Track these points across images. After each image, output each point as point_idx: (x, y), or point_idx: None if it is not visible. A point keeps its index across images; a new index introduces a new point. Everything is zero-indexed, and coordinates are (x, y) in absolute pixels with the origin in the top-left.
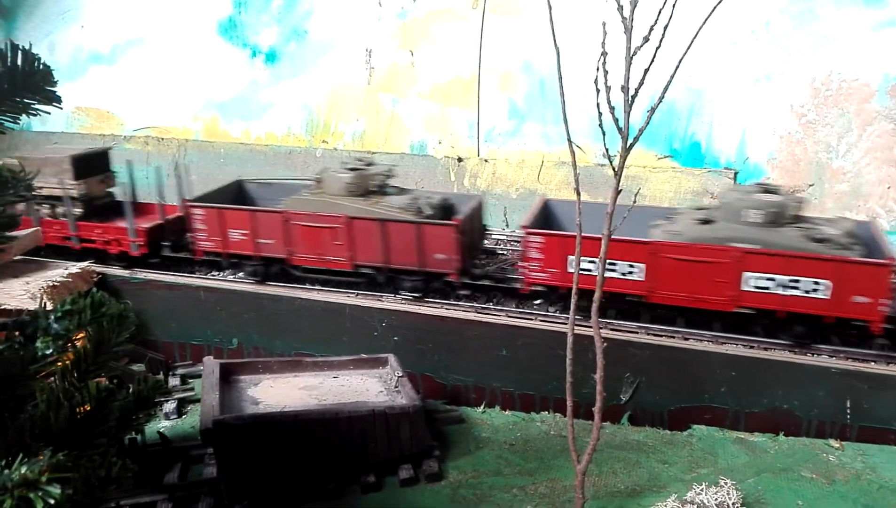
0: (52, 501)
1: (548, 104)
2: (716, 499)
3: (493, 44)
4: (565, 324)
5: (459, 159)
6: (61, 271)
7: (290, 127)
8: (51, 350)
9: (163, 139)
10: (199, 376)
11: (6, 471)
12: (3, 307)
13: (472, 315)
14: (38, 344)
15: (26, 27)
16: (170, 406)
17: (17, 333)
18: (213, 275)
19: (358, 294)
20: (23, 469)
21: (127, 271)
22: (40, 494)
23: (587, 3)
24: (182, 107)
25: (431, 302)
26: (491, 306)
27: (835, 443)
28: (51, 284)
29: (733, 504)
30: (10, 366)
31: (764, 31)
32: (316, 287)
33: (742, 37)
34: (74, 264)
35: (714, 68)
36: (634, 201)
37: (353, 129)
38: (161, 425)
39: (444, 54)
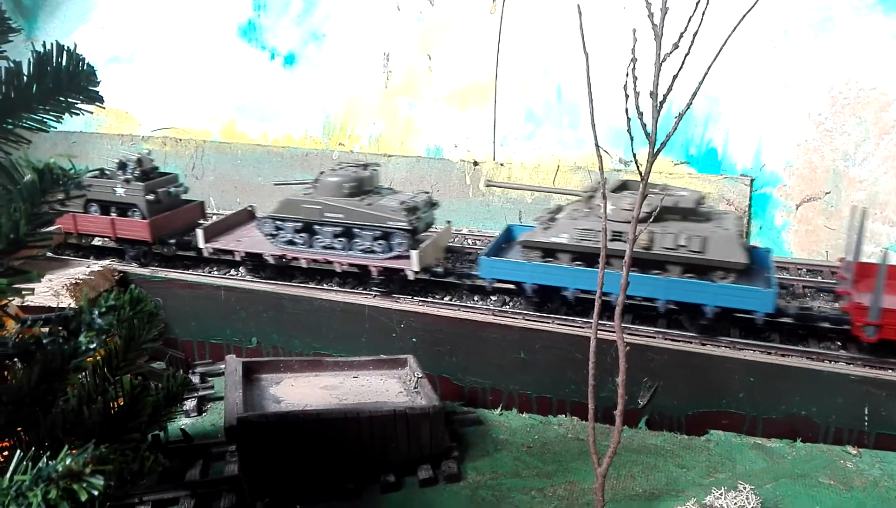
0: (95, 492)
1: (564, 109)
2: (735, 503)
3: (511, 49)
4: (583, 328)
5: (475, 163)
6: (83, 269)
7: (308, 129)
8: (94, 345)
9: (181, 140)
10: (219, 374)
11: (51, 462)
12: (25, 304)
13: (490, 318)
14: (82, 339)
15: (47, 27)
16: (190, 404)
17: (60, 328)
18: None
19: (376, 295)
20: (67, 461)
21: (148, 270)
22: (84, 486)
23: (607, 10)
24: (200, 108)
25: (450, 304)
26: (508, 308)
27: (852, 450)
28: (73, 281)
29: None
30: (51, 360)
31: (782, 38)
32: (335, 288)
33: (760, 44)
34: (96, 262)
35: (732, 75)
36: (658, 208)
37: (370, 132)
38: (182, 422)
39: (462, 58)
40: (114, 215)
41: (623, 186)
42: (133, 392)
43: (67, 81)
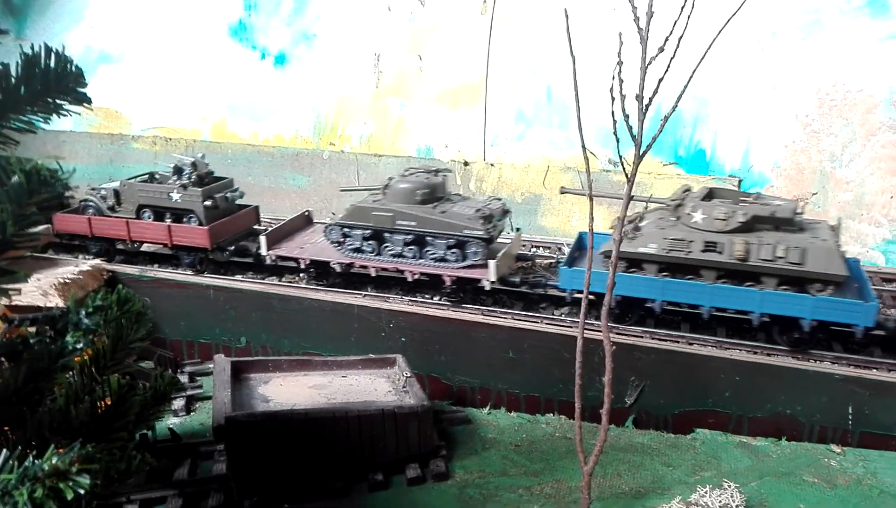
0: (81, 491)
1: (554, 110)
2: (720, 501)
3: (501, 50)
4: (571, 327)
5: (466, 163)
6: (72, 269)
7: (298, 129)
8: (81, 345)
9: (170, 139)
10: (208, 373)
11: (37, 461)
12: (14, 303)
13: (478, 317)
14: (69, 338)
15: (37, 26)
16: (179, 403)
17: (47, 328)
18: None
19: (365, 295)
20: (54, 460)
21: (137, 269)
22: (70, 484)
23: (594, 12)
24: (190, 107)
25: (438, 304)
26: (497, 308)
27: (836, 448)
28: (62, 280)
29: (737, 506)
30: (37, 360)
31: (770, 40)
32: (323, 288)
33: (748, 46)
34: (85, 261)
35: (720, 77)
36: (647, 207)
37: (361, 132)
38: (170, 422)
39: (452, 59)
40: (168, 221)
41: (710, 195)
42: (120, 392)
43: (56, 82)
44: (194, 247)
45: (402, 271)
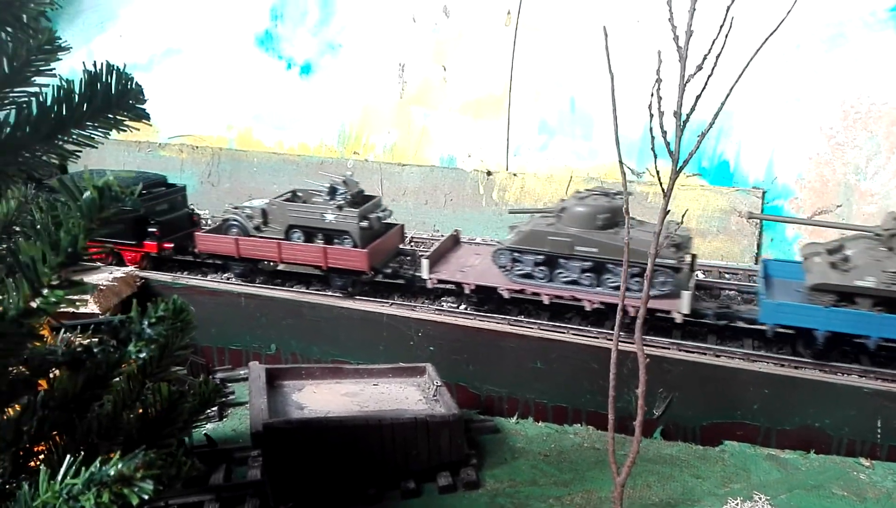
0: (145, 497)
1: (577, 121)
2: None
3: (525, 60)
4: (598, 338)
5: (489, 173)
6: (106, 276)
7: (323, 138)
8: (144, 354)
9: (197, 147)
10: (239, 380)
11: (103, 468)
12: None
13: (507, 327)
14: (131, 348)
15: (66, 35)
16: (212, 410)
17: (109, 337)
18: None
19: (393, 304)
20: (119, 465)
21: (170, 277)
22: (135, 490)
23: (618, 24)
24: (217, 116)
25: (466, 313)
26: (523, 318)
27: (865, 462)
28: (97, 288)
29: None
30: (96, 368)
31: (795, 53)
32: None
33: (773, 59)
34: (118, 268)
35: (744, 89)
36: (682, 222)
37: (385, 141)
38: (204, 428)
39: (476, 70)
40: (320, 242)
41: None
42: (171, 399)
43: (117, 99)
44: (348, 270)
45: (578, 300)
